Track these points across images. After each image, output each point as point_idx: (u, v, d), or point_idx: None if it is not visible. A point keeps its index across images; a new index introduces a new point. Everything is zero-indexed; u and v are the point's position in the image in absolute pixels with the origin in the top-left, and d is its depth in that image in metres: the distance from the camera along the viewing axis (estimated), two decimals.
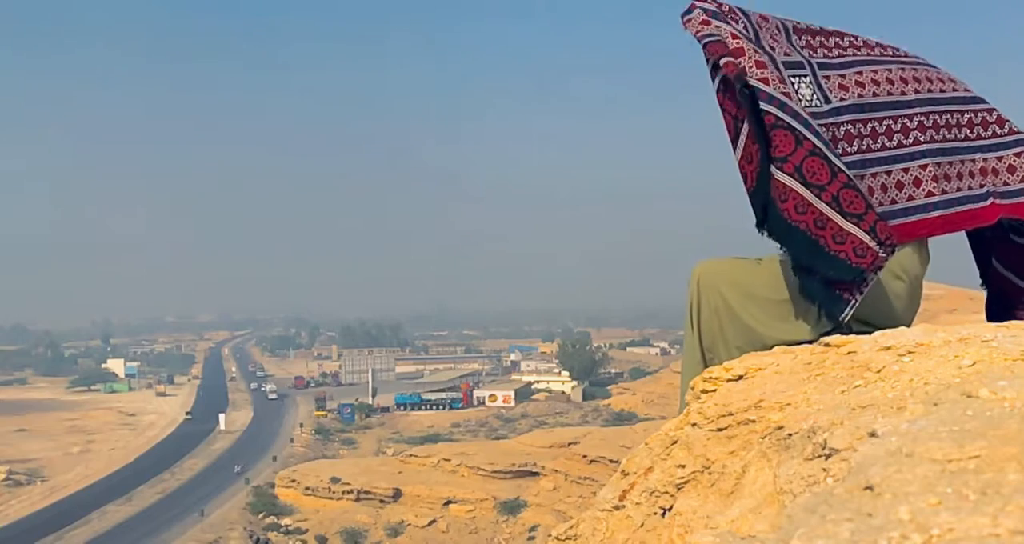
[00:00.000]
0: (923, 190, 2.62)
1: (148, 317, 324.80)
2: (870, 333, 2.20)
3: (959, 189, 2.69)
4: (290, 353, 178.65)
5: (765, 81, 2.34)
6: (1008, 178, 2.78)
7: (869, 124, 2.62)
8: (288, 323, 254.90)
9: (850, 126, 2.58)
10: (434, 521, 58.21)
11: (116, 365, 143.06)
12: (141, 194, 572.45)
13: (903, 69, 2.74)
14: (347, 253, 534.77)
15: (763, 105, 2.32)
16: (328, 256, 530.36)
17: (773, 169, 2.30)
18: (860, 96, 2.63)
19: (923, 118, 2.69)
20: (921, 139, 2.67)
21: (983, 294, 3.11)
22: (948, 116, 2.74)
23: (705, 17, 2.43)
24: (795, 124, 2.32)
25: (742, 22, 2.48)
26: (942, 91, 2.77)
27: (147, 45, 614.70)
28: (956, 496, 1.03)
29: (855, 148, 2.56)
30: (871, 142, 2.61)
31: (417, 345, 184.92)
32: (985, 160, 2.77)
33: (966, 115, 2.77)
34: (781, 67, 2.48)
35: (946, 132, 2.72)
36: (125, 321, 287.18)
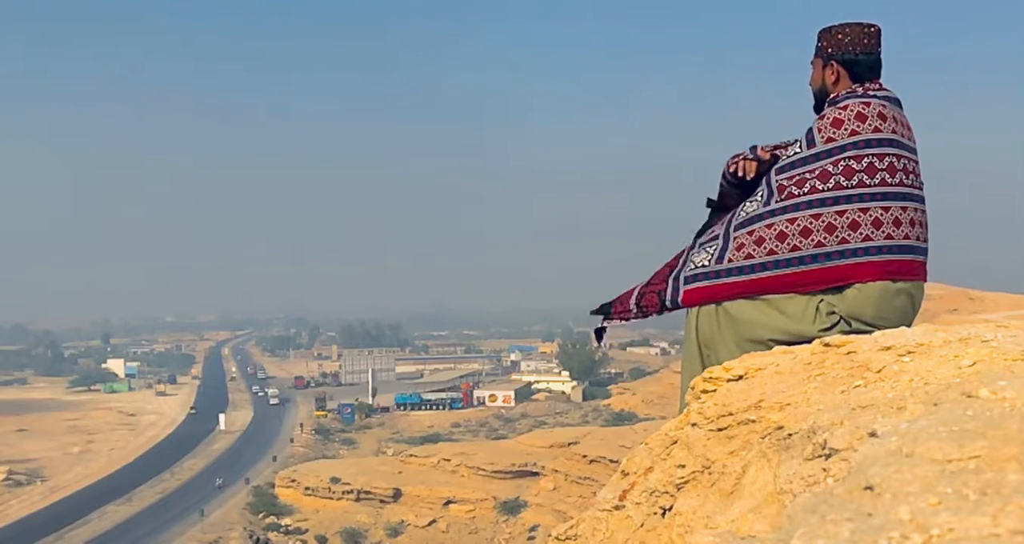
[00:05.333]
0: (882, 232, 2.64)
1: (148, 317, 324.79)
2: (870, 333, 2.21)
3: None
4: (290, 353, 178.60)
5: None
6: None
7: (865, 160, 2.65)
8: (288, 323, 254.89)
9: (853, 161, 2.64)
10: (434, 521, 58.22)
11: (116, 365, 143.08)
12: (141, 194, 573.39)
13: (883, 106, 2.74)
14: (347, 253, 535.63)
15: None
16: (328, 256, 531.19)
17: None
18: (854, 132, 2.67)
19: (894, 159, 2.70)
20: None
21: (983, 294, 3.09)
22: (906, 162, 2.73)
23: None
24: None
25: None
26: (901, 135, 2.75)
27: (151, 43, 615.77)
28: (956, 496, 1.03)
29: (855, 182, 2.64)
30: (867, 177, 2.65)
31: (417, 345, 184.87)
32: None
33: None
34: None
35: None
36: (125, 321, 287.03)
